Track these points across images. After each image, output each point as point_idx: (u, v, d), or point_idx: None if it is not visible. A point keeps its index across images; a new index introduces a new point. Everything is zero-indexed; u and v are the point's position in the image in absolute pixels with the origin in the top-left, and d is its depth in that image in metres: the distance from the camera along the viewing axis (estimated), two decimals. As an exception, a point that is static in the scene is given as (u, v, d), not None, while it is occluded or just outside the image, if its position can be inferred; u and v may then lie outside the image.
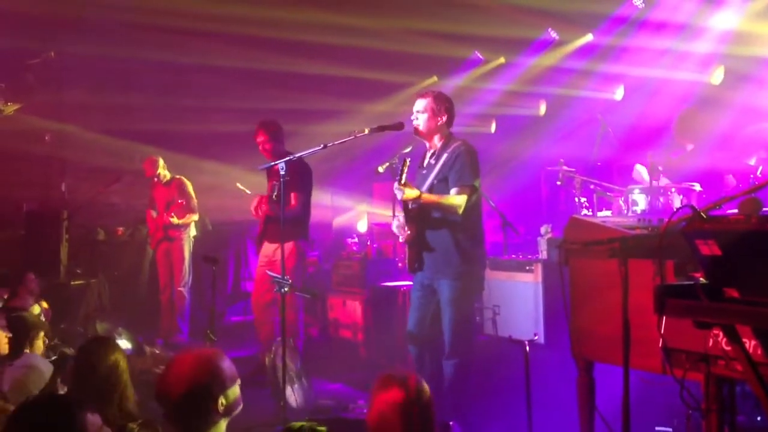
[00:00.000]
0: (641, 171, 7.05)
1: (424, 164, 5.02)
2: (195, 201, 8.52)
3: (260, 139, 6.67)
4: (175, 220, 8.28)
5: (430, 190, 4.87)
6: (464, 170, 4.84)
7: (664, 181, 6.60)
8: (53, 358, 4.70)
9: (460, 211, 4.79)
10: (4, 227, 9.09)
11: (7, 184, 9.51)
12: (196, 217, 8.50)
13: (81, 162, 10.00)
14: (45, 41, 9.38)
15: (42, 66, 9.51)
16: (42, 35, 9.29)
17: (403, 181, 4.70)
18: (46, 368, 4.38)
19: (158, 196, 8.57)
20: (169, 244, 8.43)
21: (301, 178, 6.54)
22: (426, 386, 3.03)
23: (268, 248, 6.68)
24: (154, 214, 8.55)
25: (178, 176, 8.62)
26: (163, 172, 8.55)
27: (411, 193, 4.73)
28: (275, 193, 6.33)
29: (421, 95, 5.07)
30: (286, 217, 6.17)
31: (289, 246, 6.52)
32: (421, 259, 4.92)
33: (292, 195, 6.48)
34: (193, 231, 8.58)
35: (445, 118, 4.98)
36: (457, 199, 4.79)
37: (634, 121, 8.47)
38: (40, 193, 9.85)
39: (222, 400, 2.78)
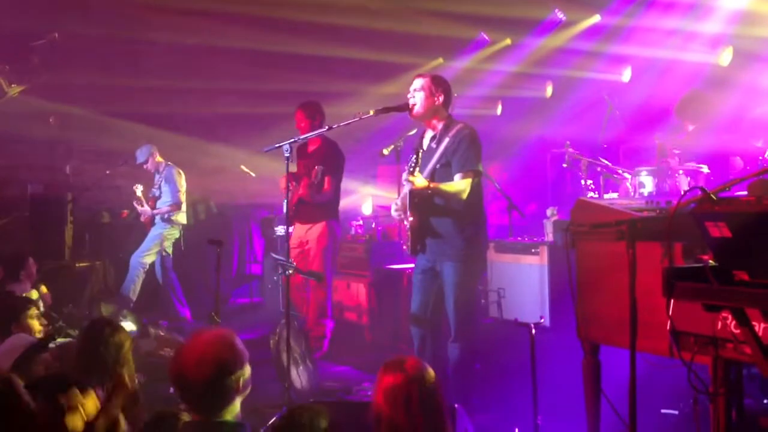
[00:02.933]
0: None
1: (424, 147, 4.98)
2: (180, 192, 8.51)
3: (297, 117, 6.78)
4: (146, 209, 8.41)
5: (432, 174, 4.84)
6: (468, 155, 4.81)
7: (673, 162, 6.52)
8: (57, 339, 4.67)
9: (465, 195, 4.78)
10: (8, 210, 9.08)
11: (12, 167, 9.52)
12: (175, 212, 8.47)
13: (86, 144, 9.99)
14: (50, 22, 9.32)
15: (47, 47, 9.43)
16: (47, 16, 9.22)
17: (415, 174, 4.69)
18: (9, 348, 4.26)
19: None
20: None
21: (334, 161, 6.69)
22: (430, 370, 3.02)
23: (300, 229, 6.78)
24: None
25: (168, 164, 8.61)
26: (153, 159, 8.55)
27: (421, 183, 4.71)
28: (316, 179, 6.58)
29: (419, 75, 5.06)
30: (320, 201, 6.56)
31: (320, 226, 6.68)
32: (424, 241, 4.90)
33: (326, 179, 6.65)
34: (182, 219, 8.58)
35: (441, 99, 4.94)
36: (462, 184, 4.78)
37: (641, 102, 8.40)
38: (44, 175, 9.81)
39: (240, 378, 2.77)
